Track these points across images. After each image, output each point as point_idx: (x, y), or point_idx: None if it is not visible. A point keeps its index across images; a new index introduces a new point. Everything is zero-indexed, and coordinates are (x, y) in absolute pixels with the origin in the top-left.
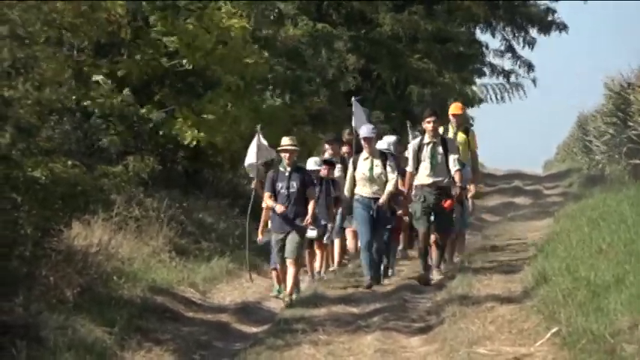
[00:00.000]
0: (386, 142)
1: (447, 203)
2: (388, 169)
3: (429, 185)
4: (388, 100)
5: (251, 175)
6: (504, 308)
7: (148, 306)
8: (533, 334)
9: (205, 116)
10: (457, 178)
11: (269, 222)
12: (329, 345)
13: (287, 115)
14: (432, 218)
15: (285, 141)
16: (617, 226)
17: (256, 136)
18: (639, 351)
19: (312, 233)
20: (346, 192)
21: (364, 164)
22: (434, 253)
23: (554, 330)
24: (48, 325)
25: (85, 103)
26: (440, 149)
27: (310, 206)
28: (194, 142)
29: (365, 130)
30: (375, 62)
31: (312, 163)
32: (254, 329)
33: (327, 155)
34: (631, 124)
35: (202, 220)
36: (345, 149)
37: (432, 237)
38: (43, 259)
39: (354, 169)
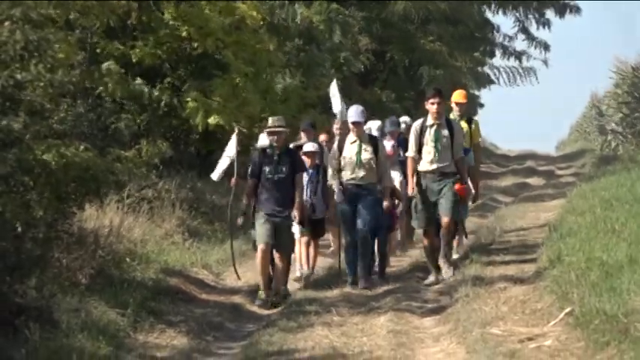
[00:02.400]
0: (372, 128)
1: (458, 187)
2: (380, 155)
3: (432, 171)
4: (400, 81)
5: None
6: (517, 289)
7: (160, 288)
8: (547, 315)
9: (216, 100)
10: (459, 165)
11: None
12: (342, 326)
13: (298, 97)
14: (435, 208)
15: (273, 122)
16: (631, 206)
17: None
18: None
19: (296, 228)
20: (330, 179)
21: (351, 148)
22: (441, 246)
23: (567, 310)
24: (61, 308)
25: (98, 90)
26: (445, 132)
27: (297, 197)
28: (204, 125)
29: (353, 113)
30: (388, 44)
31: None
32: (267, 311)
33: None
34: None
35: (215, 202)
36: (322, 137)
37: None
38: (56, 241)
39: (340, 153)
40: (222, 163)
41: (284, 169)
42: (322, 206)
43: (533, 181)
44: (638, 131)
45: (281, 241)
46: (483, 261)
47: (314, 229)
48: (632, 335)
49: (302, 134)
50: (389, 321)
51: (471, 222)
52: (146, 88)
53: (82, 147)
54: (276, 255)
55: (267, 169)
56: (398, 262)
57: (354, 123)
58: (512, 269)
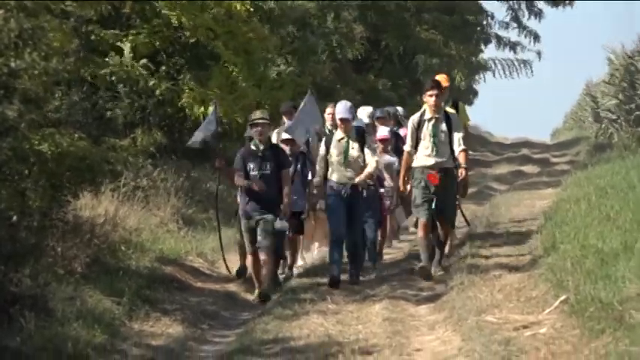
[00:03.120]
0: (364, 114)
1: (432, 177)
2: (367, 151)
3: (430, 167)
4: (395, 69)
5: (193, 144)
6: (512, 276)
7: (156, 276)
8: (542, 302)
9: (213, 91)
10: (462, 158)
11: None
12: (337, 314)
13: (292, 84)
14: (434, 205)
15: (257, 114)
16: (626, 194)
17: (213, 110)
18: None
19: (280, 225)
20: (317, 178)
21: (339, 145)
22: (436, 247)
23: (562, 298)
24: (56, 296)
25: (94, 77)
26: (443, 126)
27: (285, 193)
28: (200, 115)
29: (341, 109)
30: (383, 32)
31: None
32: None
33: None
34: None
35: (210, 190)
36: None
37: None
38: (51, 230)
39: (327, 151)
40: (200, 134)
41: (268, 165)
42: (302, 200)
43: (527, 168)
44: (633, 119)
45: (263, 241)
46: (478, 249)
47: (292, 223)
48: (627, 323)
49: (284, 118)
50: (384, 309)
51: (465, 210)
52: (142, 75)
53: (76, 136)
54: (260, 255)
55: (251, 165)
56: (392, 251)
57: (342, 120)
58: (508, 257)
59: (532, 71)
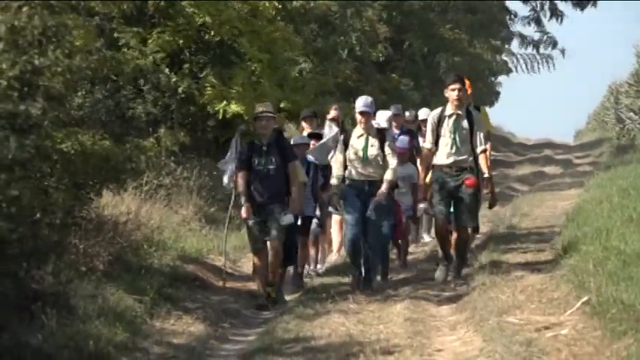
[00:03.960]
0: (383, 118)
1: (470, 181)
2: (387, 151)
3: (449, 166)
4: (418, 69)
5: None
6: (534, 277)
7: (177, 275)
8: (563, 304)
9: (236, 89)
10: (482, 159)
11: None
12: (358, 314)
13: (314, 84)
14: (452, 209)
15: (260, 108)
16: None
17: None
18: None
19: (286, 219)
20: (335, 176)
21: (358, 142)
22: (454, 256)
23: (584, 299)
24: (78, 294)
25: (117, 75)
26: (465, 123)
27: (294, 190)
28: (222, 113)
29: (361, 103)
30: (406, 32)
31: (298, 138)
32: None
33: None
34: None
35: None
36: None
37: (452, 235)
38: (73, 227)
39: (345, 148)
40: (229, 167)
41: (274, 159)
42: (311, 204)
43: (550, 169)
44: None
45: (274, 232)
46: (500, 249)
47: (302, 227)
48: None
49: (303, 123)
50: (405, 309)
51: (487, 210)
52: (165, 73)
53: (99, 136)
54: (269, 249)
55: (256, 160)
56: (414, 250)
57: (361, 113)
58: (529, 258)
59: (554, 66)
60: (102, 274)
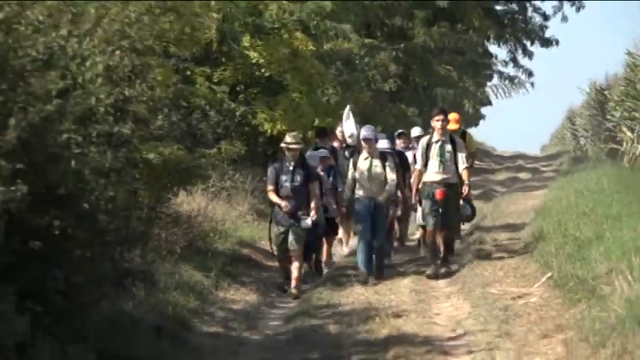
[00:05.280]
0: (383, 144)
1: (439, 193)
2: (388, 169)
3: (437, 182)
4: (419, 99)
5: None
6: (510, 258)
7: (236, 256)
8: (532, 278)
9: (279, 112)
10: (465, 176)
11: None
12: (375, 286)
13: (340, 109)
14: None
15: (289, 139)
16: (598, 195)
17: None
18: (613, 290)
19: (306, 223)
20: (347, 191)
21: (364, 164)
22: (442, 249)
23: (548, 275)
24: (159, 271)
25: (189, 103)
26: (449, 147)
27: (313, 204)
28: (270, 131)
29: (366, 131)
30: (411, 69)
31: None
32: (326, 270)
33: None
34: (608, 117)
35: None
36: (336, 144)
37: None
38: (156, 220)
39: (354, 168)
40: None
41: (298, 178)
42: (333, 207)
43: (522, 175)
44: (603, 137)
45: (295, 245)
46: (484, 237)
47: (326, 227)
48: (598, 294)
49: (317, 139)
50: (411, 282)
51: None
52: (226, 100)
53: (176, 147)
54: (292, 256)
55: (283, 177)
56: (413, 238)
57: (365, 140)
58: (506, 243)
59: (527, 90)
60: (178, 256)
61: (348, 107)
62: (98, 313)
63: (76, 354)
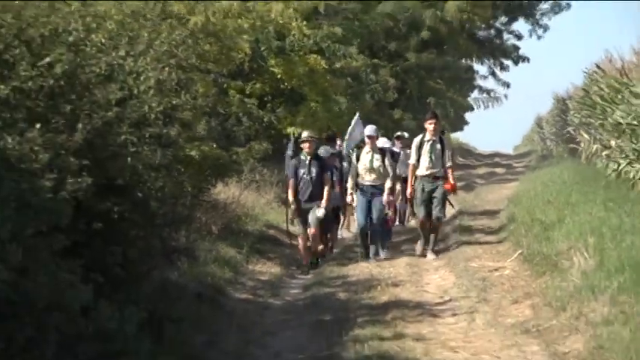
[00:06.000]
0: (383, 142)
1: (448, 186)
2: (387, 163)
3: (427, 176)
4: (414, 107)
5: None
6: (488, 238)
7: (263, 236)
8: (506, 255)
9: (300, 118)
10: (449, 172)
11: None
12: (377, 261)
13: (349, 115)
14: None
15: (305, 134)
16: (560, 186)
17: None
18: (572, 264)
19: (320, 212)
20: (350, 180)
21: (366, 157)
22: (430, 236)
23: (519, 252)
24: (200, 248)
25: (225, 110)
26: (438, 146)
27: (325, 191)
28: (292, 134)
29: (369, 130)
30: (407, 83)
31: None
32: (335, 250)
33: (322, 150)
34: (569, 122)
35: None
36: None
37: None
38: (198, 206)
39: (357, 161)
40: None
41: (314, 170)
42: (338, 197)
43: (498, 170)
44: (564, 139)
45: (313, 221)
46: (467, 220)
47: (332, 214)
48: (560, 267)
49: (326, 143)
50: (407, 257)
51: (458, 196)
52: (255, 108)
53: (214, 146)
54: (310, 229)
55: (301, 171)
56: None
57: (369, 137)
58: (485, 225)
59: (503, 102)
60: (216, 235)
61: (357, 115)
62: (150, 282)
63: (131, 315)
